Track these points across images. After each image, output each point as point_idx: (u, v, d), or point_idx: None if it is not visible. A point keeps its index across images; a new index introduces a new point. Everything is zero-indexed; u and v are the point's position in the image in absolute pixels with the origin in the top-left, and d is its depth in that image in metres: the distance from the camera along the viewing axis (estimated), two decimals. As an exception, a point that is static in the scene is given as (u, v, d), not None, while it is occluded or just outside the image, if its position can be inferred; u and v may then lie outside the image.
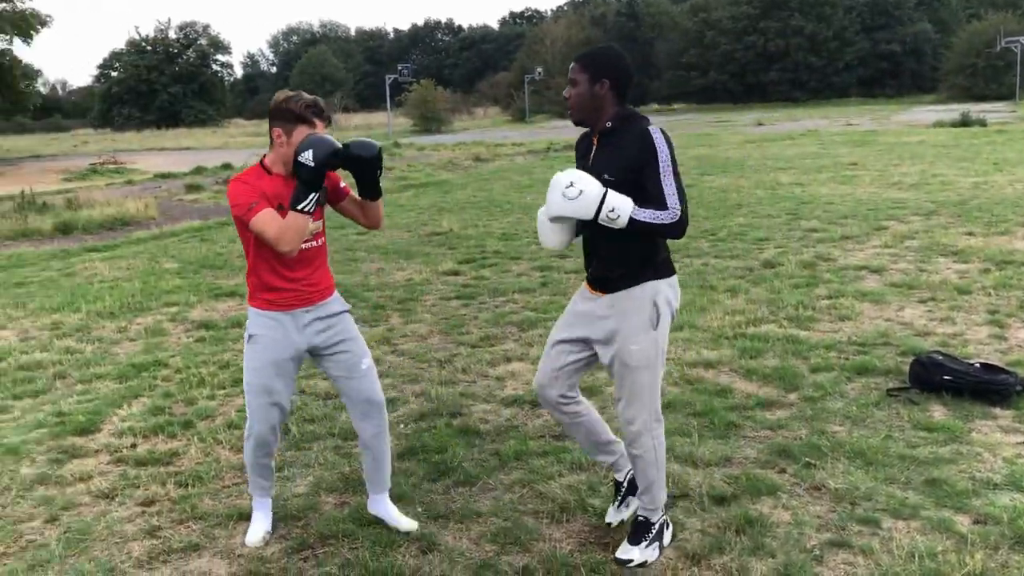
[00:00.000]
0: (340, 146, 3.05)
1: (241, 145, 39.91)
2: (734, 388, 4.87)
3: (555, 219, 2.99)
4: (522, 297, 7.36)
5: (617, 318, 3.02)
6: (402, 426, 4.63)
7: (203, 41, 75.10)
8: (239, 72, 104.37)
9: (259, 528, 3.49)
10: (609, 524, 3.41)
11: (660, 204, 2.84)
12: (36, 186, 17.98)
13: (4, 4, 39.04)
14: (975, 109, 31.76)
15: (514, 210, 13.08)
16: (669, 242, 3.09)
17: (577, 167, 3.09)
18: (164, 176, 23.30)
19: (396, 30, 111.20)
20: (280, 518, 3.63)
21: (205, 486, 3.96)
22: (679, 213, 2.84)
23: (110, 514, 3.75)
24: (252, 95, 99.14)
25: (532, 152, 26.29)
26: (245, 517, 3.65)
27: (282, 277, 3.21)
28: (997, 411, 4.36)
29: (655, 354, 3.02)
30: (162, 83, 69.93)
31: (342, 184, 3.34)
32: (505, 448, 4.19)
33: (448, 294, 7.69)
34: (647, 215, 2.84)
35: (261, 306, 3.26)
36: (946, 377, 4.56)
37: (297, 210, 3.02)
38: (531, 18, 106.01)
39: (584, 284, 3.21)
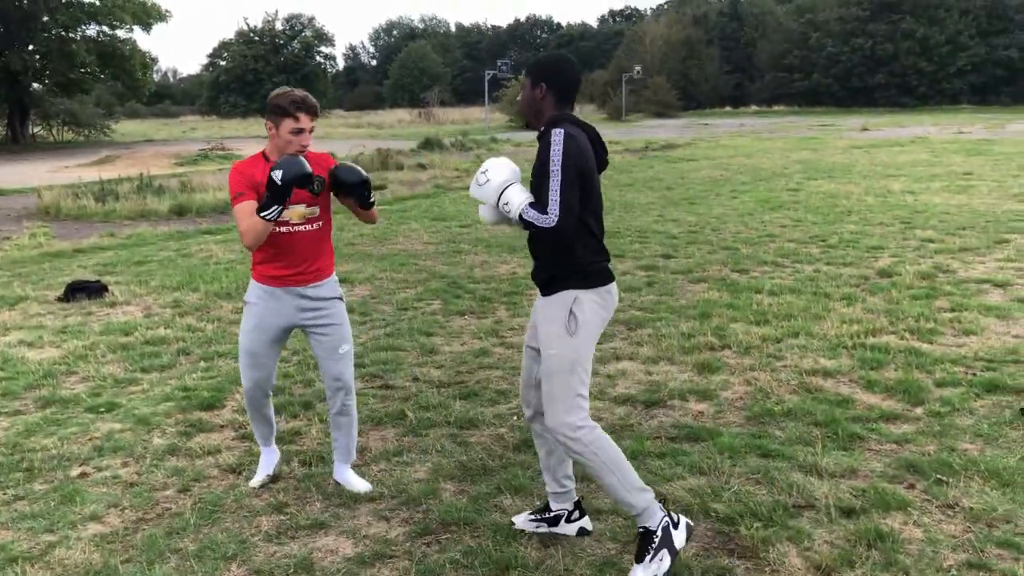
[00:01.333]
0: (308, 170, 3.33)
1: (341, 136, 40.75)
2: (855, 399, 4.74)
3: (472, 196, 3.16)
4: (628, 296, 7.30)
5: (541, 324, 3.10)
6: (515, 418, 4.66)
7: (308, 33, 76.77)
8: (341, 64, 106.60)
9: (261, 473, 3.94)
10: (512, 523, 3.45)
11: (544, 207, 2.92)
12: (152, 169, 18.74)
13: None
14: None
15: (615, 208, 13.00)
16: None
17: None
18: (270, 164, 23.94)
19: (495, 27, 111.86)
20: (402, 502, 3.70)
21: (327, 466, 4.05)
22: (555, 220, 2.89)
23: (238, 488, 3.88)
24: (352, 87, 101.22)
25: (629, 151, 26.11)
26: (369, 499, 3.73)
27: (278, 256, 3.56)
28: None
29: (571, 360, 3.02)
30: (267, 73, 71.77)
31: None
32: (621, 447, 4.15)
33: (553, 290, 7.69)
34: (532, 215, 2.94)
35: (258, 279, 3.65)
36: (1086, 399, 4.35)
37: (260, 216, 3.33)
38: (630, 16, 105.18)
39: None
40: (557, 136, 2.93)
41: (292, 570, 3.18)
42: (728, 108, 69.63)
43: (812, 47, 65.21)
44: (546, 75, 3.11)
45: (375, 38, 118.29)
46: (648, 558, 2.99)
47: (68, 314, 7.17)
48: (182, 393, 5.14)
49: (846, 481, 3.76)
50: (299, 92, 3.47)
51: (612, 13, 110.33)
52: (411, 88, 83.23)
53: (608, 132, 38.53)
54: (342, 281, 8.24)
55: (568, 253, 3.01)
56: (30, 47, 40.15)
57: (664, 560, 2.98)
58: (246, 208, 3.38)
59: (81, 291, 7.67)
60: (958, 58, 62.23)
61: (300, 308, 3.63)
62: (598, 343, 5.86)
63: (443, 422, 4.58)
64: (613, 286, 3.13)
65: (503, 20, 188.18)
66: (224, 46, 76.94)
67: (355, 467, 4.05)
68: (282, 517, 3.60)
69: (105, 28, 42.13)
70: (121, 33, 42.96)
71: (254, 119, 62.98)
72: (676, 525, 3.05)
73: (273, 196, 3.31)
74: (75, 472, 4.09)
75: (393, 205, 14.31)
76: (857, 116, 49.32)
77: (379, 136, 39.65)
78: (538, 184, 2.97)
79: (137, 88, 46.20)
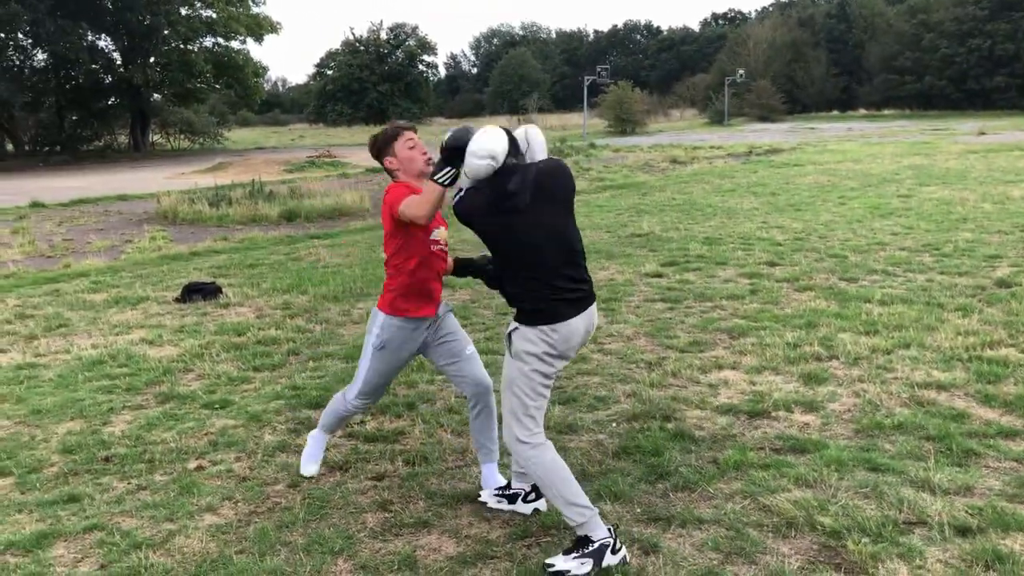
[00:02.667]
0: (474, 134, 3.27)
1: (442, 142, 41.34)
2: (971, 414, 4.55)
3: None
4: (730, 304, 7.19)
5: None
6: (614, 424, 4.65)
7: (411, 42, 78.24)
8: (442, 72, 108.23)
9: (315, 465, 4.10)
10: (478, 496, 3.78)
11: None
12: (262, 176, 19.44)
13: (240, 8, 42.45)
14: None
15: (717, 214, 12.82)
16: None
17: None
18: (374, 171, 24.53)
19: (595, 32, 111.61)
20: (502, 504, 3.74)
21: (430, 466, 4.14)
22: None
23: (345, 485, 4.00)
24: (453, 95, 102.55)
25: (732, 155, 25.67)
26: (470, 499, 3.79)
27: (430, 287, 3.66)
28: None
29: (510, 380, 3.28)
30: (372, 82, 73.47)
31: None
32: (724, 457, 4.12)
33: (652, 296, 7.64)
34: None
35: (402, 314, 3.66)
36: None
37: (435, 180, 3.29)
38: (733, 19, 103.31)
39: None
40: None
41: (396, 567, 3.27)
42: (835, 112, 67.57)
43: (925, 48, 62.64)
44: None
45: (476, 46, 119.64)
46: (575, 555, 3.17)
47: (185, 314, 7.51)
48: (292, 392, 5.33)
49: (961, 498, 3.62)
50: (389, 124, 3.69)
51: (715, 16, 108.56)
52: (511, 95, 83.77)
53: (709, 137, 38.12)
54: (444, 286, 8.41)
55: (513, 295, 3.31)
56: (151, 59, 42.19)
57: (586, 566, 3.14)
58: (412, 197, 3.41)
59: (197, 292, 8.02)
60: (1086, 56, 58.78)
61: (427, 332, 3.77)
62: (698, 351, 5.81)
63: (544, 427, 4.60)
64: (561, 326, 3.23)
65: (603, 25, 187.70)
66: (331, 56, 79.08)
67: (458, 467, 4.13)
68: (387, 514, 3.70)
69: (220, 40, 43.96)
70: (235, 44, 44.80)
71: (359, 127, 64.56)
72: (615, 551, 3.20)
73: (446, 159, 3.28)
74: (192, 465, 4.29)
75: (493, 211, 14.44)
76: (973, 120, 47.22)
77: (479, 142, 39.98)
78: None
79: (249, 97, 48.06)
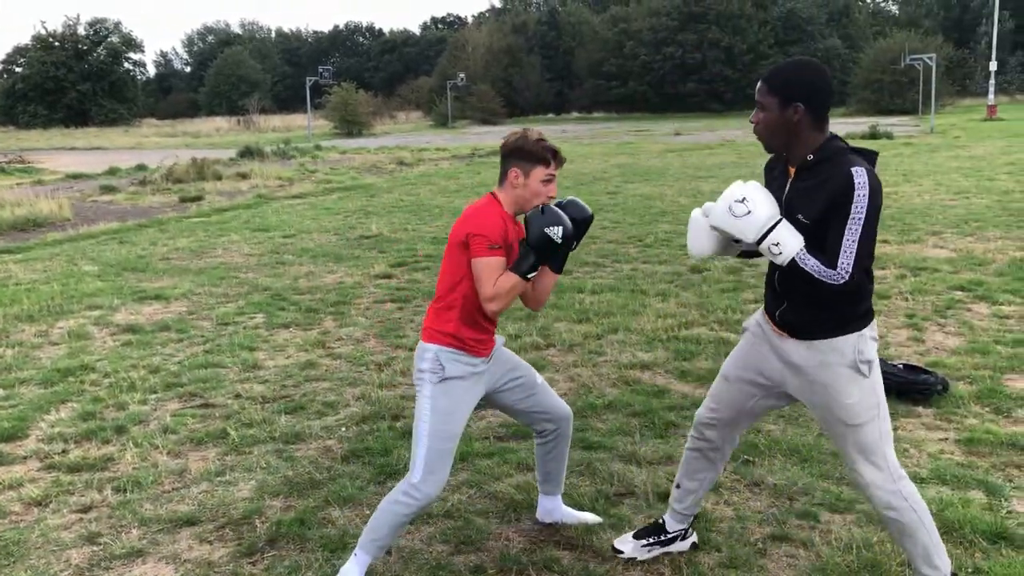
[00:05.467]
0: (589, 213, 3.08)
1: (155, 145, 38.87)
2: (670, 389, 4.99)
3: (716, 227, 2.74)
4: (456, 301, 7.36)
5: (820, 371, 2.70)
6: (344, 429, 4.60)
7: (114, 38, 72.78)
8: (152, 71, 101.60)
9: None
10: (619, 552, 3.21)
11: (831, 258, 2.52)
12: (-62, 185, 17.16)
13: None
14: (882, 123, 33.02)
15: (443, 214, 13.07)
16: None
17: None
18: (76, 176, 22.53)
19: (316, 32, 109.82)
20: (225, 523, 3.57)
21: (144, 491, 3.87)
22: (846, 277, 2.49)
23: (45, 521, 3.64)
24: (165, 94, 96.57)
25: (457, 157, 26.31)
26: (189, 522, 3.58)
27: (488, 322, 3.08)
28: (920, 409, 4.58)
29: (875, 403, 2.68)
30: (70, 80, 67.44)
31: None
32: (450, 449, 4.20)
33: (382, 297, 7.66)
34: (812, 265, 2.53)
35: (461, 347, 3.02)
36: (871, 377, 4.76)
37: (520, 274, 2.89)
38: (452, 23, 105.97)
39: (763, 314, 2.91)
40: (861, 178, 2.48)
41: (106, 604, 3.02)
42: (551, 115, 71.48)
43: (627, 55, 67.89)
44: (803, 92, 2.62)
45: (188, 44, 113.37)
46: None
47: None
48: (-22, 425, 4.75)
49: (663, 467, 3.96)
50: (544, 138, 3.07)
51: (435, 20, 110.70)
52: (229, 95, 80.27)
53: (435, 139, 38.78)
54: (156, 298, 7.92)
55: (850, 301, 2.64)
56: None
57: None
58: (497, 264, 2.92)
59: None
60: (759, 66, 66.53)
61: (488, 374, 3.14)
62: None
63: (268, 438, 4.46)
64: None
65: (324, 26, 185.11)
66: (19, 51, 71.60)
67: (175, 489, 3.89)
68: (95, 548, 3.40)
69: None
70: None
71: (57, 129, 58.93)
72: None
73: (542, 254, 2.88)
74: None
75: (211, 217, 13.78)
76: (671, 121, 51.80)
77: (195, 145, 38.05)
78: (818, 224, 2.56)
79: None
